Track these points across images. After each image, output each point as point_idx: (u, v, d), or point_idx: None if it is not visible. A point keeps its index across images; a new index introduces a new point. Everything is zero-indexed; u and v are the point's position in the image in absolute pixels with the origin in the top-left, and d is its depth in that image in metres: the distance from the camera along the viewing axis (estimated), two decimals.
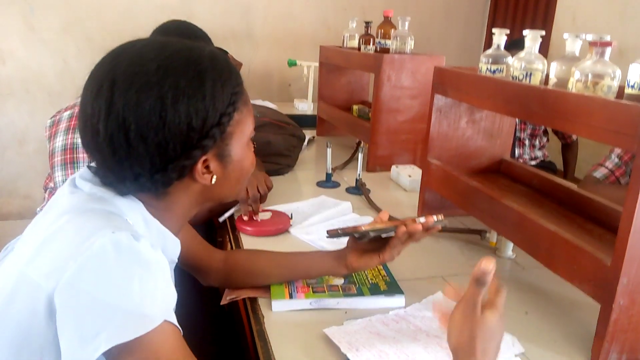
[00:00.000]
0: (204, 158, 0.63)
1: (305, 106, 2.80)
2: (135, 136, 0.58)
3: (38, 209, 1.34)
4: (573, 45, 0.98)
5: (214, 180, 0.66)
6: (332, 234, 0.84)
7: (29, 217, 2.76)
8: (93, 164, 0.67)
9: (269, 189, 1.24)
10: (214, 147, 0.64)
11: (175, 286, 0.63)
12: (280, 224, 1.19)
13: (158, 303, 0.55)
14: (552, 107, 0.88)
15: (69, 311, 0.52)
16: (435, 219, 0.81)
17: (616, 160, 1.60)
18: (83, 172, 0.66)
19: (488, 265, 0.60)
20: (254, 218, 1.20)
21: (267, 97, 3.01)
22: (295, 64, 2.76)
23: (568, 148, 2.57)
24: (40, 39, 2.86)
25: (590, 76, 0.88)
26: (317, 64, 2.37)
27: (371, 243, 0.87)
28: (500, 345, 0.64)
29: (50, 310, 0.53)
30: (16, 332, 0.55)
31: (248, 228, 1.18)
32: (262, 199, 1.22)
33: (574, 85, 0.89)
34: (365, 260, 0.86)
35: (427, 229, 0.82)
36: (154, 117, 0.58)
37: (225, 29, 3.06)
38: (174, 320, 0.57)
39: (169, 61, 0.61)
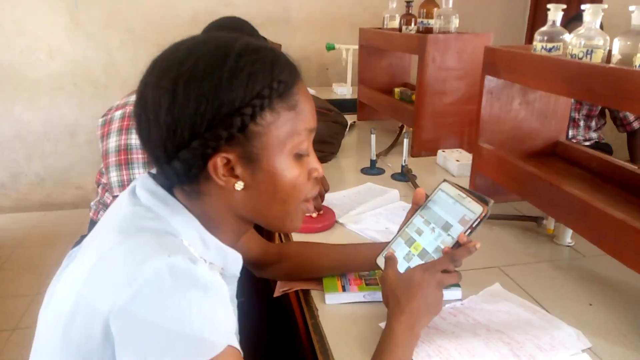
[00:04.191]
0: (223, 155, 0.58)
1: (345, 90, 2.77)
2: (152, 115, 0.58)
3: (92, 203, 1.38)
4: None
5: (238, 186, 0.60)
6: None
7: (82, 206, 2.90)
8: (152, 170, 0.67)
9: (326, 190, 1.21)
10: (237, 145, 0.58)
11: (242, 297, 0.61)
12: (327, 221, 1.16)
13: (219, 327, 0.53)
14: (619, 87, 0.82)
15: (128, 337, 0.51)
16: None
17: None
18: (144, 179, 0.65)
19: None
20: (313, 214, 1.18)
21: (306, 82, 2.96)
22: (333, 48, 2.73)
23: (633, 137, 2.36)
24: (85, 33, 2.94)
25: None
26: (355, 47, 2.33)
27: None
28: (429, 294, 0.71)
29: (106, 333, 0.52)
30: (77, 353, 0.55)
31: None
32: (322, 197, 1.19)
33: None
34: None
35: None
36: (167, 97, 0.57)
37: (262, 15, 3.05)
38: (237, 344, 0.55)
39: (200, 46, 0.59)
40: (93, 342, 0.53)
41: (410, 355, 0.69)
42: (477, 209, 0.74)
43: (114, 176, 1.18)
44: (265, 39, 2.45)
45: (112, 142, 1.20)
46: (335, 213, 1.20)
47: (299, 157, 0.63)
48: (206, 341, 0.51)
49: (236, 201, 0.63)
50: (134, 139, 1.17)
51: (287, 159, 0.62)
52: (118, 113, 1.23)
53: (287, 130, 0.61)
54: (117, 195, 1.14)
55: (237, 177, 0.60)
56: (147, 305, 0.51)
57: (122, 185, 1.17)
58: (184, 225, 0.61)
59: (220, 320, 0.54)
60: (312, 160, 0.66)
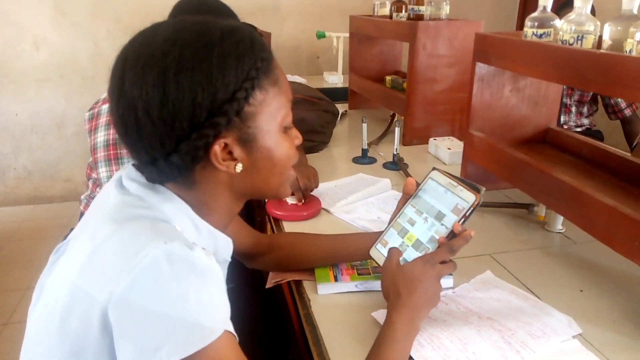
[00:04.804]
0: (222, 141, 0.58)
1: (336, 79, 2.75)
2: (143, 114, 0.56)
3: (83, 196, 1.36)
4: (631, 3, 0.90)
5: (238, 168, 0.61)
6: None
7: (71, 199, 2.85)
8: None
9: (316, 186, 1.20)
10: (233, 128, 0.59)
11: (232, 283, 0.61)
12: (312, 208, 1.16)
13: (216, 313, 0.53)
14: (609, 72, 0.82)
15: (126, 325, 0.51)
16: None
17: None
18: (129, 170, 0.64)
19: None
20: (298, 203, 1.17)
21: (296, 71, 2.96)
22: (324, 36, 2.70)
23: (627, 123, 2.34)
24: (71, 22, 2.89)
25: None
26: (346, 35, 2.31)
27: None
28: (429, 287, 0.70)
29: (104, 323, 0.52)
30: (74, 343, 0.54)
31: (278, 212, 1.15)
32: (305, 193, 1.18)
33: (634, 46, 0.83)
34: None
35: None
36: (158, 92, 0.55)
37: (251, 3, 3.01)
38: (232, 329, 0.55)
39: (178, 34, 0.57)
40: (91, 332, 0.53)
41: (409, 349, 0.69)
42: (469, 197, 0.73)
43: (103, 171, 1.16)
44: (254, 27, 2.42)
45: (101, 136, 1.17)
46: (327, 202, 1.20)
47: (286, 129, 0.66)
48: (204, 327, 0.51)
49: (234, 182, 0.64)
50: None
51: (279, 133, 0.64)
52: (105, 106, 1.20)
53: (275, 106, 0.62)
54: None
55: (235, 160, 0.61)
56: (145, 293, 0.50)
57: None
58: (175, 211, 0.61)
59: (217, 305, 0.54)
60: (294, 129, 0.69)
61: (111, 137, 1.15)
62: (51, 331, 0.56)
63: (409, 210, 0.80)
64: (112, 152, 1.14)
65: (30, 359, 0.60)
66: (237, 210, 0.70)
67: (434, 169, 0.81)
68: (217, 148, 0.58)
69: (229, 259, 0.72)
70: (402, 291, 0.70)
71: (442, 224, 0.75)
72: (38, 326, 0.60)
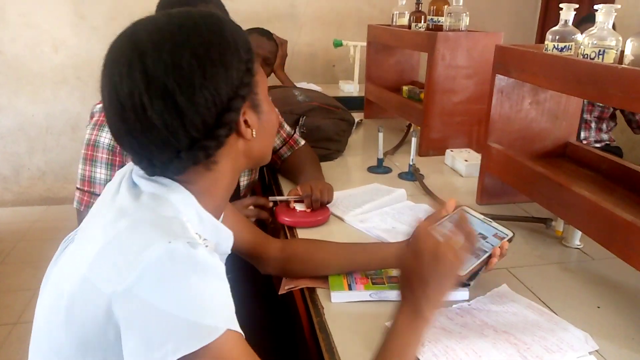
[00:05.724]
0: (243, 110, 0.63)
1: (351, 88, 2.75)
2: (184, 99, 0.58)
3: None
4: None
5: (254, 133, 0.66)
6: None
7: None
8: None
9: (329, 201, 1.20)
10: (249, 97, 0.64)
11: (230, 273, 0.61)
12: (321, 215, 1.16)
13: (218, 312, 0.54)
14: (631, 88, 0.81)
15: (132, 318, 0.52)
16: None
17: None
18: (137, 168, 0.66)
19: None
20: (305, 209, 1.18)
21: (312, 79, 2.98)
22: (341, 45, 2.71)
23: None
24: (90, 26, 2.93)
25: None
26: (363, 44, 2.32)
27: None
28: (445, 281, 0.63)
29: (108, 314, 0.54)
30: (81, 332, 0.56)
31: (287, 218, 1.16)
32: (315, 204, 1.17)
33: None
34: None
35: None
36: (196, 74, 0.58)
37: (268, 10, 3.03)
38: (237, 326, 0.56)
39: (186, 20, 0.61)
40: (96, 322, 0.55)
41: (416, 341, 0.64)
42: (506, 230, 0.78)
43: (80, 168, 1.15)
44: (270, 33, 2.44)
45: (87, 134, 1.18)
46: (342, 211, 1.20)
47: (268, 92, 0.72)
48: (205, 326, 0.52)
49: (244, 152, 0.67)
50: (104, 137, 1.12)
51: (268, 96, 0.71)
52: (99, 106, 1.21)
53: (262, 73, 0.69)
54: (79, 187, 1.13)
55: (249, 127, 0.66)
56: (148, 290, 0.52)
57: (84, 180, 1.14)
58: (182, 202, 0.63)
59: (218, 304, 0.55)
60: None
61: (93, 137, 1.14)
62: (59, 317, 0.58)
63: (446, 224, 0.79)
64: (89, 152, 1.13)
65: (39, 348, 0.62)
66: (234, 185, 0.71)
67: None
68: (241, 117, 0.63)
69: (229, 252, 0.75)
70: (405, 287, 0.66)
71: (487, 242, 0.77)
72: (45, 314, 0.61)
